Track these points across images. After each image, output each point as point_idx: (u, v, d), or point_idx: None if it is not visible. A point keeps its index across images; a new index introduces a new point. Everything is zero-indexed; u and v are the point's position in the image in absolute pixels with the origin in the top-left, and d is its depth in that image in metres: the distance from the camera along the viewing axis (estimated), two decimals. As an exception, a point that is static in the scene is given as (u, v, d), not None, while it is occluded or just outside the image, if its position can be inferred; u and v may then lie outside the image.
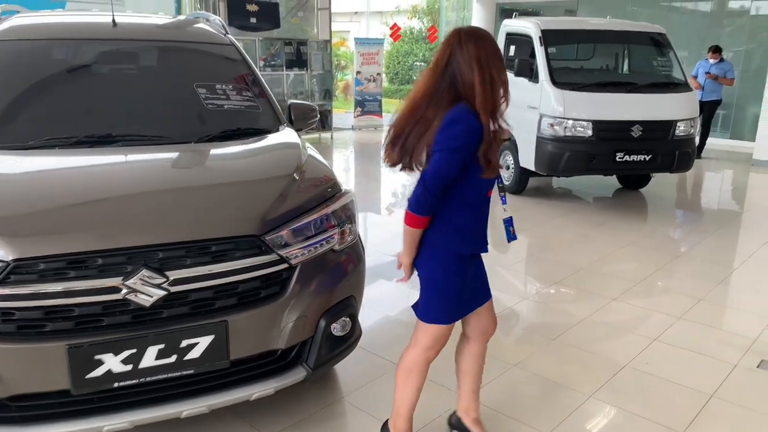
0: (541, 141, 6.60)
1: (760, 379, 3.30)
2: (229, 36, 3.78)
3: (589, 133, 6.39)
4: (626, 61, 7.42)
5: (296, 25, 11.16)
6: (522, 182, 7.22)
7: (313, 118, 3.65)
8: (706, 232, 6.06)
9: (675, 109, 6.59)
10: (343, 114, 14.43)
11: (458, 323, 2.43)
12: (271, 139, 3.07)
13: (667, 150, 6.56)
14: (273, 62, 10.71)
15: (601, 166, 6.50)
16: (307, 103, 3.72)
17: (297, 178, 2.64)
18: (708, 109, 9.90)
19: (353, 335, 2.71)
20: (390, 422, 2.48)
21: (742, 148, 10.78)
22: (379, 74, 12.94)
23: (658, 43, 7.08)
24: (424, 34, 17.39)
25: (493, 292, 2.49)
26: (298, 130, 3.56)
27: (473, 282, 2.34)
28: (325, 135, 11.83)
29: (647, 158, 6.50)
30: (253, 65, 3.65)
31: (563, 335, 3.73)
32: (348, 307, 2.64)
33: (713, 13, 12.35)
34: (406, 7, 22.86)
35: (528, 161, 6.84)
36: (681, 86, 6.83)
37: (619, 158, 6.44)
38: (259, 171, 2.75)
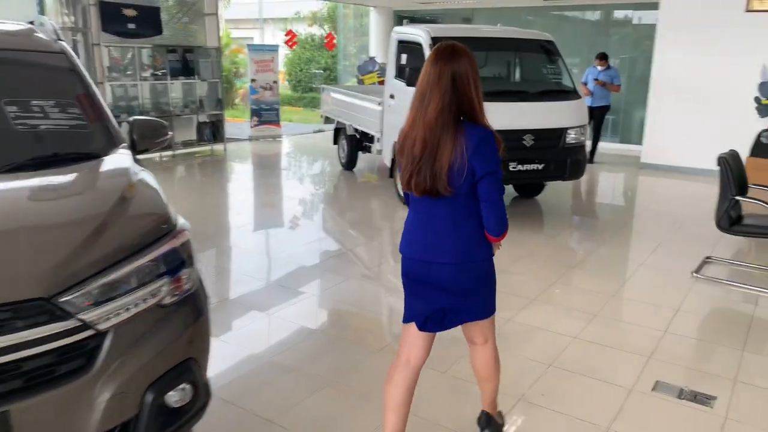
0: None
1: (656, 405, 3.13)
2: (62, 43, 3.20)
3: (484, 142, 6.21)
4: (517, 70, 7.35)
5: (183, 32, 10.43)
6: (418, 194, 6.97)
7: (162, 136, 3.13)
8: (599, 240, 6.03)
9: (565, 116, 6.55)
10: (243, 123, 13.74)
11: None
12: (92, 166, 2.53)
13: (559, 158, 6.50)
14: (163, 71, 9.95)
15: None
16: (154, 119, 3.19)
17: (113, 216, 2.13)
18: (598, 115, 10.13)
19: (197, 403, 2.24)
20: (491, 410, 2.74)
21: (631, 152, 11.12)
22: (275, 82, 12.40)
23: (547, 50, 7.05)
24: (324, 41, 17.00)
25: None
26: (142, 151, 3.05)
27: None
28: (218, 147, 11.15)
29: (540, 167, 6.41)
30: (87, 76, 3.07)
31: (456, 364, 3.42)
32: (186, 372, 2.17)
33: (600, 22, 12.77)
34: (306, 13, 22.41)
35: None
36: (570, 94, 6.82)
37: (513, 168, 6.30)
38: (59, 210, 2.20)
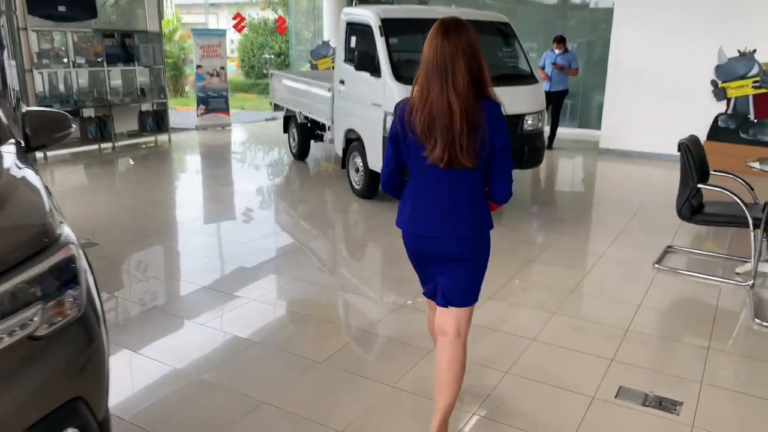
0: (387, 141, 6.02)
1: (620, 414, 2.88)
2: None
3: (437, 130, 5.91)
4: None
5: (120, 15, 9.81)
6: (373, 186, 6.62)
7: (64, 130, 2.71)
8: (558, 231, 5.80)
9: (523, 102, 6.29)
10: (192, 112, 13.11)
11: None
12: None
13: (517, 145, 6.21)
14: (98, 57, 9.32)
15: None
16: (54, 110, 2.77)
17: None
18: (556, 100, 9.96)
19: (89, 449, 1.87)
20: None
21: (590, 137, 10.99)
22: (222, 68, 11.86)
23: (504, 33, 6.76)
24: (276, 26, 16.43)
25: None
26: (38, 147, 2.64)
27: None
28: (163, 137, 10.59)
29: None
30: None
31: (412, 371, 3.12)
32: (71, 415, 1.80)
33: (558, 5, 12.59)
34: (259, -4, 21.72)
35: (376, 163, 6.25)
36: (528, 78, 6.56)
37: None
38: None
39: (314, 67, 12.43)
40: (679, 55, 8.93)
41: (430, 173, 2.31)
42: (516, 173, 7.16)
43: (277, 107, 9.47)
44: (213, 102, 11.88)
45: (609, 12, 9.93)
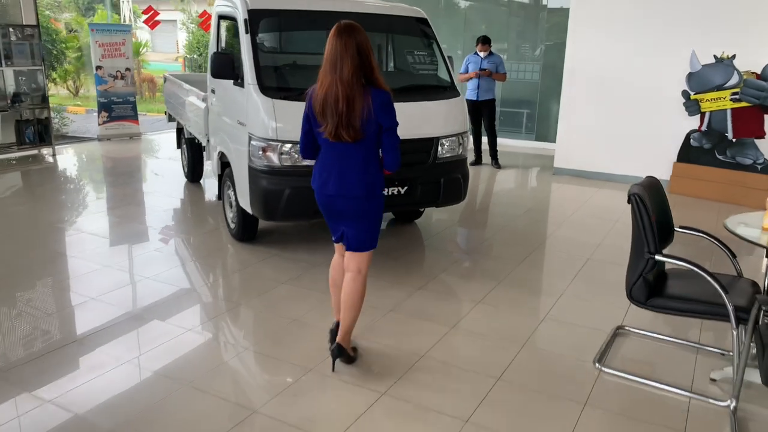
0: (252, 173, 4.52)
1: None
2: None
3: (317, 160, 4.42)
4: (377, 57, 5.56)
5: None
6: (249, 226, 5.11)
7: None
8: (477, 295, 4.34)
9: (437, 122, 4.83)
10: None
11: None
12: None
13: (429, 178, 4.80)
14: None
15: (339, 206, 4.56)
16: None
17: None
18: (488, 110, 8.58)
19: None
20: (344, 343, 3.18)
21: (548, 152, 9.60)
22: (128, 69, 10.24)
23: (418, 32, 5.28)
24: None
25: None
26: None
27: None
28: (47, 151, 8.97)
29: (402, 190, 4.68)
30: None
31: None
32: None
33: (515, 5, 11.18)
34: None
35: (244, 200, 4.75)
36: (446, 90, 5.09)
37: (363, 194, 4.54)
38: None
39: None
40: (645, 60, 7.56)
41: (328, 145, 3.00)
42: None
43: (171, 118, 7.91)
44: (117, 108, 10.26)
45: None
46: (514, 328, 3.80)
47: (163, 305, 4.04)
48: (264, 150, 4.38)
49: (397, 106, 4.68)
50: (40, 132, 8.87)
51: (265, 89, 4.40)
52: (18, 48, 8.41)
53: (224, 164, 5.32)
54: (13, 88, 8.63)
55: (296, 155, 4.37)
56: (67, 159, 8.96)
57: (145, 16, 11.42)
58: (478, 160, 8.95)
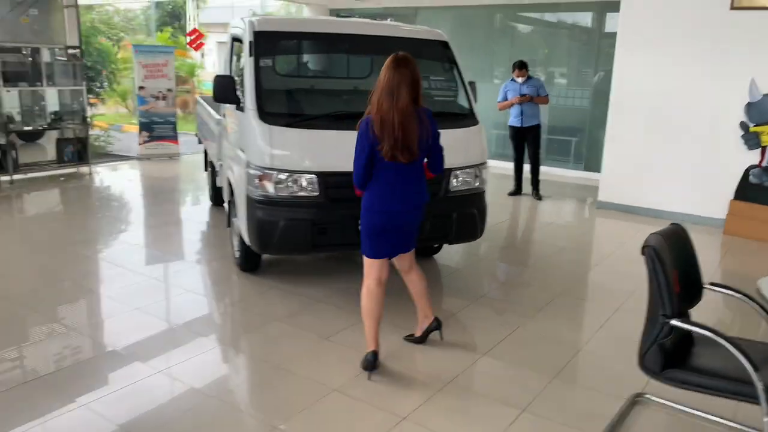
0: (250, 203, 4.28)
1: None
2: None
3: (315, 191, 4.13)
4: None
5: (28, 27, 8.40)
6: (251, 256, 4.85)
7: None
8: (489, 339, 3.91)
9: (449, 151, 4.43)
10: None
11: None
12: None
13: (440, 212, 4.42)
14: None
15: (336, 240, 4.26)
16: None
17: None
18: (532, 138, 8.13)
19: None
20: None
21: (596, 182, 9.00)
22: (170, 90, 10.35)
23: (437, 55, 4.95)
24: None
25: None
26: None
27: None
28: (85, 170, 9.10)
29: (410, 226, 4.31)
30: None
31: None
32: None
33: (562, 26, 10.69)
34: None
35: (244, 230, 4.51)
36: (464, 118, 4.72)
37: (366, 228, 4.22)
38: None
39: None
40: (699, 88, 6.95)
41: (385, 166, 3.23)
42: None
43: (200, 140, 7.85)
44: (158, 128, 10.37)
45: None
46: (516, 389, 3.36)
47: (137, 345, 3.79)
48: (260, 179, 4.13)
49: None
50: (79, 150, 9.00)
51: (265, 115, 4.17)
52: (61, 68, 8.59)
53: (232, 191, 5.13)
54: (56, 107, 8.82)
55: (292, 185, 4.10)
56: (102, 178, 9.04)
57: (188, 38, 11.57)
58: (517, 190, 8.49)
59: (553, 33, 10.84)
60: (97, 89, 11.70)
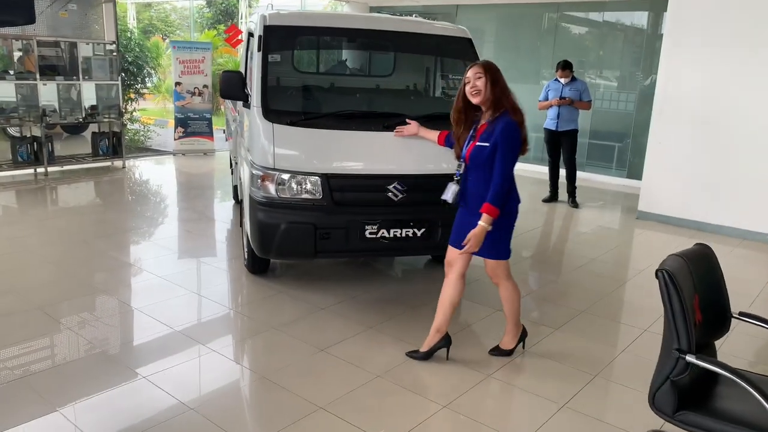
0: (252, 204, 4.12)
1: None
2: None
3: (319, 194, 3.93)
4: (396, 80, 5.00)
5: (66, 21, 8.52)
6: (259, 259, 4.67)
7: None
8: (490, 364, 3.63)
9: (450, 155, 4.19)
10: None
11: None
12: None
13: (452, 219, 4.14)
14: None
15: (341, 246, 4.04)
16: None
17: None
18: (568, 143, 7.73)
19: None
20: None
21: (638, 191, 8.53)
22: (206, 86, 10.36)
23: (458, 53, 4.68)
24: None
25: None
26: None
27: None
28: (119, 163, 9.19)
29: (419, 232, 4.08)
30: None
31: None
32: None
33: (606, 26, 10.19)
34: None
35: (249, 232, 4.35)
36: (483, 120, 4.42)
37: (371, 234, 4.01)
38: None
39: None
40: (751, 92, 6.43)
41: None
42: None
43: (227, 138, 7.79)
44: (193, 124, 10.41)
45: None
46: (520, 418, 3.07)
47: (125, 348, 3.67)
48: (262, 179, 3.96)
49: (414, 137, 4.18)
50: (114, 144, 9.09)
51: (269, 112, 3.99)
52: (97, 63, 8.69)
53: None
54: (92, 101, 8.92)
55: (296, 186, 3.91)
56: (135, 173, 9.11)
57: (226, 35, 11.56)
58: (553, 197, 8.11)
59: (600, 33, 10.36)
60: (139, 85, 11.80)
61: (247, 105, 4.24)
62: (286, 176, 3.89)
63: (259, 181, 3.98)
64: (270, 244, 3.98)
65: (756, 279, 5.38)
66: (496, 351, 3.66)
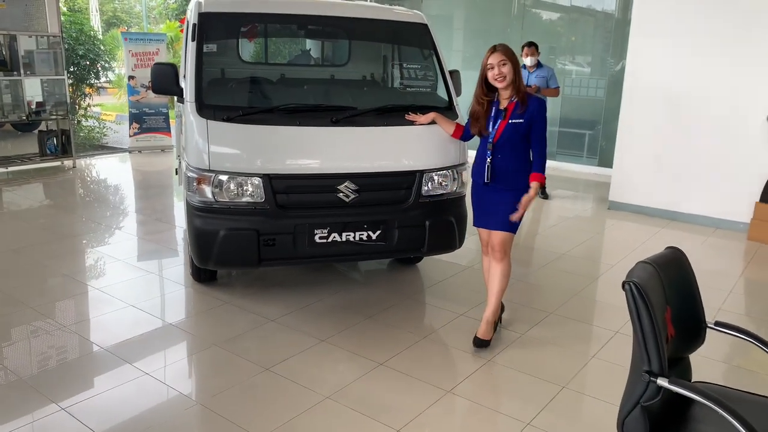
0: (188, 209, 3.76)
1: None
2: None
3: (261, 197, 3.59)
4: (347, 71, 4.67)
5: (5, 12, 7.99)
6: (202, 268, 4.29)
7: None
8: (481, 356, 3.34)
9: (422, 151, 3.90)
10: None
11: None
12: None
13: (410, 221, 3.85)
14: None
15: (288, 253, 3.70)
16: None
17: None
18: None
19: None
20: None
21: (610, 179, 8.33)
22: (162, 80, 9.87)
23: (414, 40, 4.36)
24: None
25: None
26: None
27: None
28: (69, 163, 8.71)
29: (374, 235, 3.77)
30: None
31: None
32: None
33: (577, 14, 9.95)
34: None
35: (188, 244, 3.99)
36: (441, 112, 4.11)
37: (321, 239, 3.68)
38: None
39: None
40: (722, 79, 6.23)
41: None
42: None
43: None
44: (149, 120, 9.94)
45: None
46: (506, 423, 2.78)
47: (46, 375, 3.31)
48: (198, 182, 3.61)
49: (373, 131, 3.88)
50: (63, 143, 8.60)
51: (204, 108, 3.63)
52: (41, 57, 8.18)
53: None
54: (39, 98, 8.43)
55: (235, 189, 3.57)
56: (87, 172, 8.64)
57: (181, 26, 11.05)
58: (522, 188, 7.84)
59: (569, 18, 10.11)
60: (93, 79, 11.28)
61: (181, 100, 3.87)
62: (223, 178, 3.54)
63: (194, 183, 3.63)
64: (209, 252, 3.63)
65: (728, 271, 5.19)
66: (477, 342, 3.60)
